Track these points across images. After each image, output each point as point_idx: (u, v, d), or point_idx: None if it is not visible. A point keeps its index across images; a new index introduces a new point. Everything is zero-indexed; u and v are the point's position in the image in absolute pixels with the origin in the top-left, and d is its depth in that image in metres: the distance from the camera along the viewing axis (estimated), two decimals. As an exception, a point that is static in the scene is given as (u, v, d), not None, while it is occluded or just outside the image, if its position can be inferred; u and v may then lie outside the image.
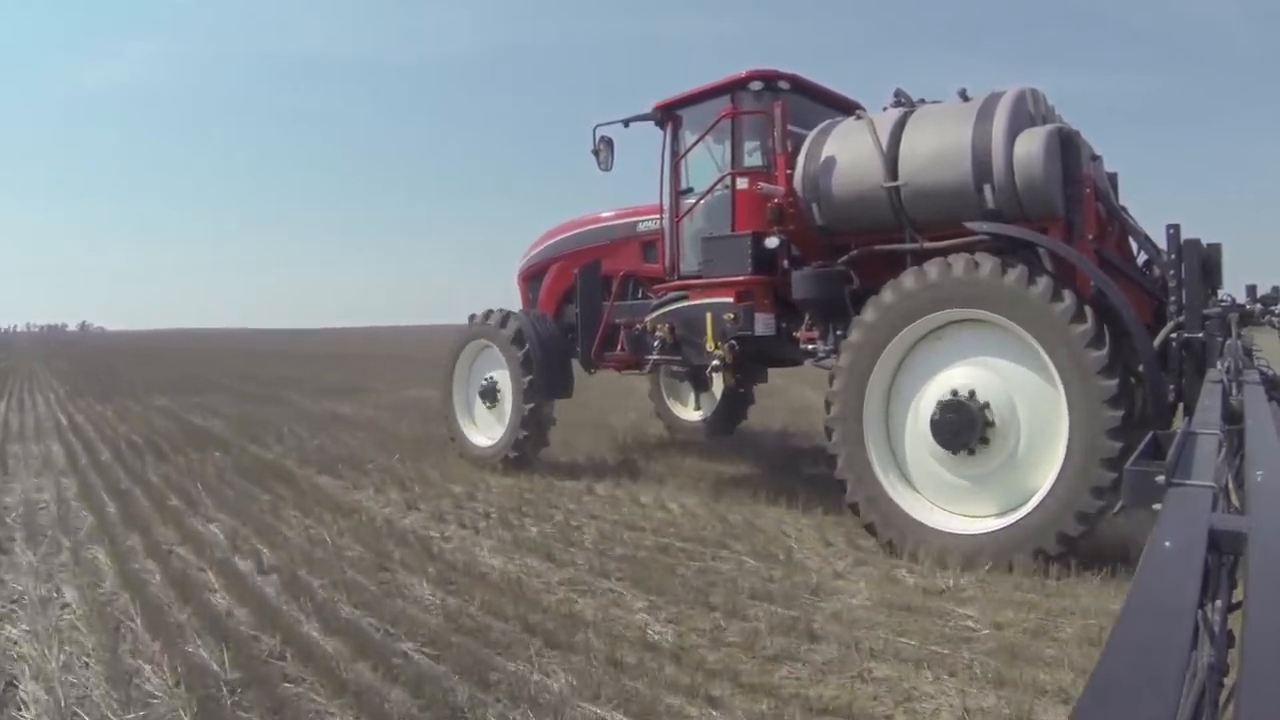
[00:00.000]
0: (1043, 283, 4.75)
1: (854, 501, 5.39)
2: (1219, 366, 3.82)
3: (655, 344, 7.30)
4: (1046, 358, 4.73)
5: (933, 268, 5.14)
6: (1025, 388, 4.90)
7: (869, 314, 5.39)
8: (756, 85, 6.74)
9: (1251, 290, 5.20)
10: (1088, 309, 4.68)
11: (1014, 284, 4.82)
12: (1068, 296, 4.70)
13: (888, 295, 5.31)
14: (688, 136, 7.38)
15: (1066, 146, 5.16)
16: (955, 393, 5.01)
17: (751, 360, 7.35)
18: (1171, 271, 5.05)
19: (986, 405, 4.92)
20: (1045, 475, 4.75)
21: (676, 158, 7.44)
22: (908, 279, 5.24)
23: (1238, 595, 1.04)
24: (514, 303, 9.56)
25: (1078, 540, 4.63)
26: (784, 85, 6.77)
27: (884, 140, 5.65)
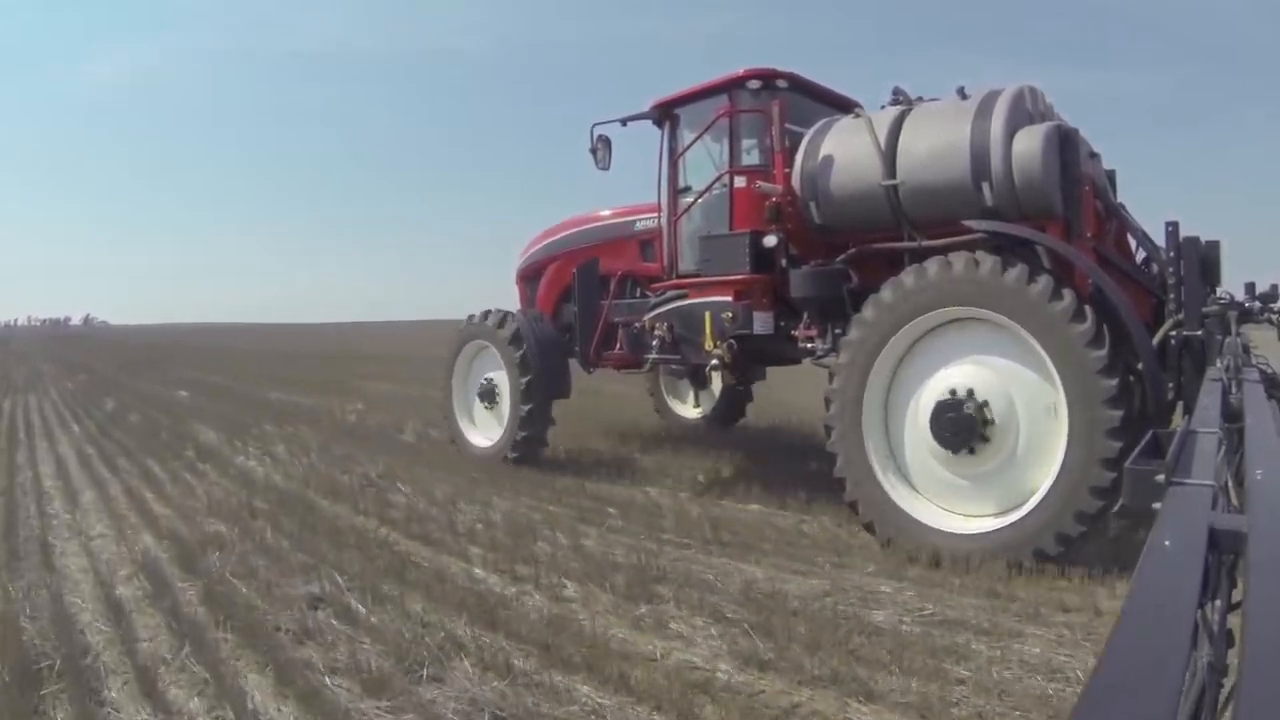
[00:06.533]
0: (1043, 281, 4.73)
1: (853, 500, 5.38)
2: (1218, 364, 3.81)
3: (654, 343, 7.28)
4: (1046, 357, 4.71)
5: (932, 265, 5.12)
6: (1025, 387, 4.88)
7: (869, 312, 5.36)
8: (754, 84, 6.73)
9: (1250, 287, 5.20)
10: (1087, 308, 4.66)
11: (1014, 282, 4.79)
12: (1067, 295, 4.67)
13: (887, 293, 5.28)
14: (686, 135, 7.36)
15: (1065, 144, 5.14)
16: (954, 392, 5.00)
17: (750, 359, 7.33)
18: (1170, 269, 5.03)
19: (985, 404, 4.90)
20: (1045, 475, 4.73)
21: (674, 156, 7.43)
22: (907, 277, 5.21)
23: (1238, 595, 1.04)
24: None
25: (1077, 540, 4.61)
26: (781, 84, 6.75)
27: (882, 138, 5.64)
